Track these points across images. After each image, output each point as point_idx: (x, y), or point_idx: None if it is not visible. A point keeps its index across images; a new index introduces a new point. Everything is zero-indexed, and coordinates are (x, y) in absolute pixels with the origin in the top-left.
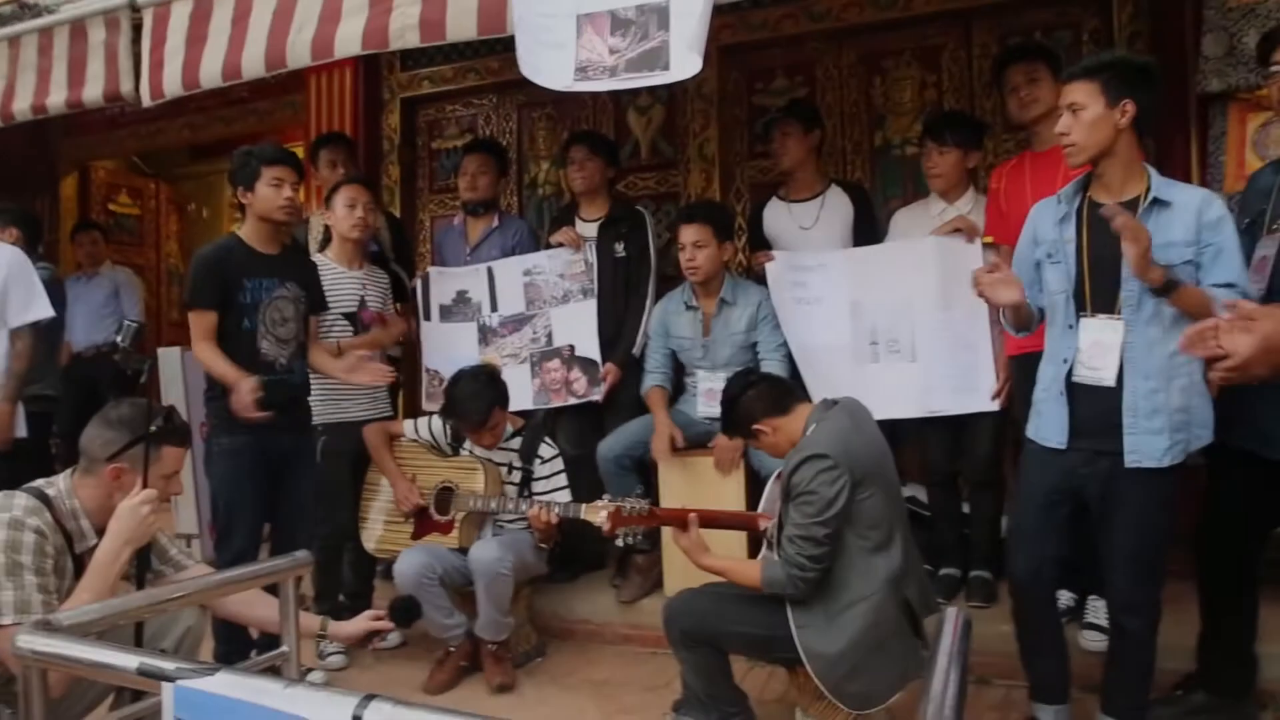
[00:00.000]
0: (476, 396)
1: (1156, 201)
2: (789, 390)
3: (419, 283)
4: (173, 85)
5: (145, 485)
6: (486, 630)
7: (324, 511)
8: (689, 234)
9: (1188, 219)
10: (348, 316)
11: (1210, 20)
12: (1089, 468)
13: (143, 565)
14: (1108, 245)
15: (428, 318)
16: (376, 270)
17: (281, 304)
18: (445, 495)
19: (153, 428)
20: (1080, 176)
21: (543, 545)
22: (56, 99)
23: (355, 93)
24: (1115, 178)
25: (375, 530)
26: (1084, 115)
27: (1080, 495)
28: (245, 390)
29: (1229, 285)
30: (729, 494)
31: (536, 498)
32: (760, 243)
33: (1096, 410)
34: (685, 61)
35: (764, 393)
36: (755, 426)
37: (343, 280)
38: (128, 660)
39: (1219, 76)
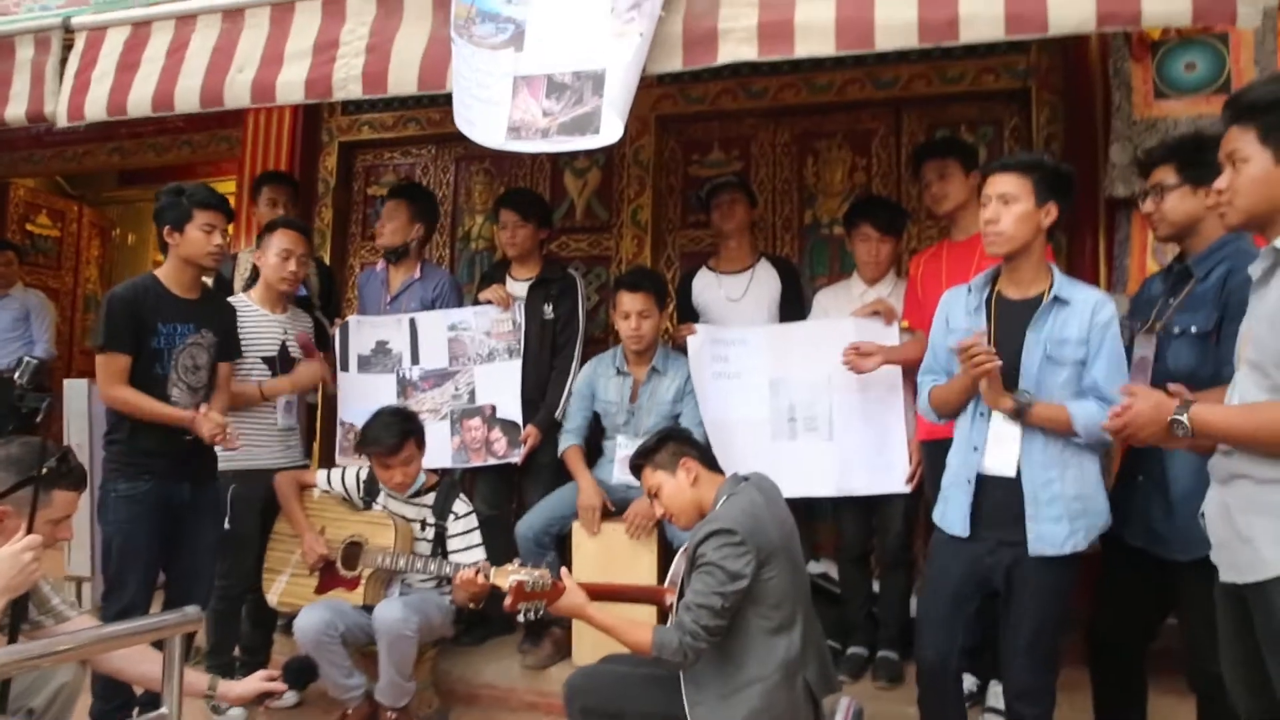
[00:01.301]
0: (390, 426)
1: (1057, 299)
2: (711, 460)
3: (337, 332)
4: (96, 109)
5: (30, 530)
6: (386, 695)
7: (228, 561)
8: (634, 303)
9: (1083, 318)
10: (268, 360)
11: (1117, 129)
12: (994, 556)
13: (18, 616)
14: (1014, 336)
15: (345, 368)
16: (300, 314)
17: (195, 351)
18: (353, 550)
19: (44, 469)
20: (990, 269)
21: (472, 606)
22: None
23: (294, 132)
24: (1026, 274)
25: (279, 583)
26: (1015, 208)
27: (988, 583)
28: (208, 428)
29: (1096, 384)
30: (642, 566)
31: (451, 556)
32: (688, 312)
33: (1000, 500)
34: (611, 126)
35: (696, 443)
36: (685, 460)
37: (265, 323)
38: None
39: (1124, 183)
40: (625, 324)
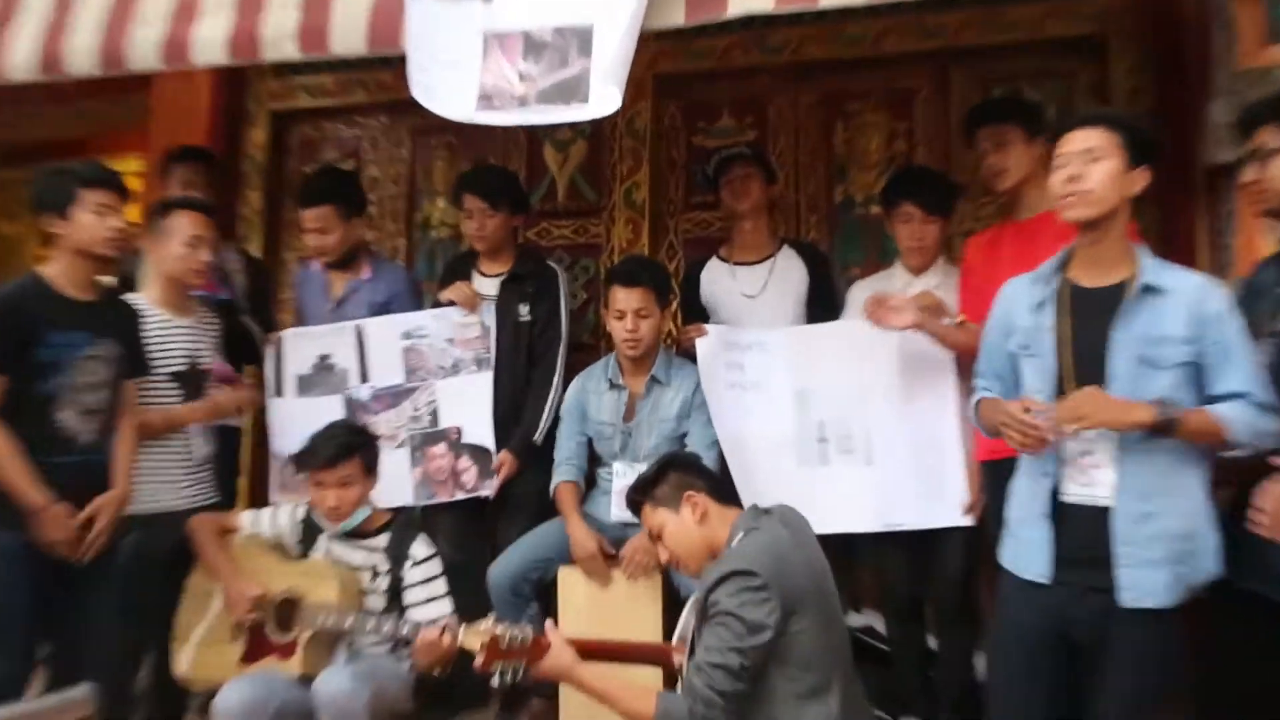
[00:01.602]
0: (333, 438)
1: (1148, 289)
2: (728, 488)
3: (269, 354)
4: None
5: None
6: None
7: (125, 628)
8: (630, 299)
9: (1186, 310)
10: (177, 376)
11: (1218, 83)
12: (1080, 606)
13: None
14: (1094, 334)
15: (279, 393)
16: (208, 316)
17: (93, 365)
18: (288, 608)
19: None
20: (1059, 254)
21: (436, 673)
22: None
23: (213, 99)
24: (1107, 254)
25: (189, 652)
26: (1104, 164)
27: (1070, 638)
28: (55, 527)
29: (1239, 395)
30: (644, 620)
31: (409, 611)
32: (695, 311)
33: (1085, 537)
34: (603, 96)
35: (705, 471)
36: (690, 494)
37: (169, 331)
38: None
39: (1227, 147)
40: (619, 325)
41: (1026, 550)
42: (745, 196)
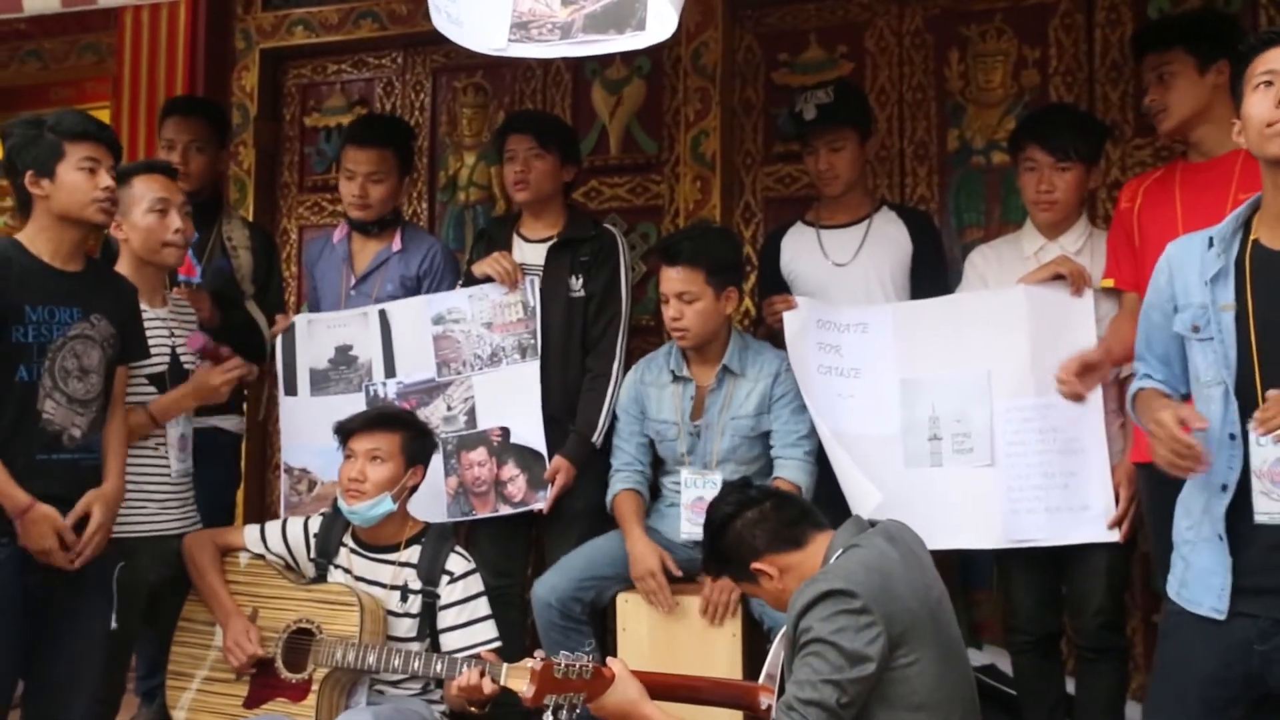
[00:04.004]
0: (381, 410)
1: None
2: (804, 513)
3: (279, 344)
4: None
5: None
6: None
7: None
8: (672, 281)
9: None
10: (154, 379)
11: None
12: (1269, 644)
13: None
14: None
15: (292, 390)
16: (181, 304)
17: (81, 347)
18: (300, 642)
19: None
20: (1243, 206)
21: (473, 710)
22: None
23: (191, 37)
24: None
25: (188, 693)
26: None
27: (1259, 683)
28: (41, 532)
29: None
30: (719, 654)
31: (443, 636)
32: (774, 285)
33: (1274, 559)
34: (660, 19)
35: (767, 515)
36: (755, 566)
37: (146, 324)
38: None
39: None
40: (666, 310)
41: (1197, 578)
42: (833, 179)
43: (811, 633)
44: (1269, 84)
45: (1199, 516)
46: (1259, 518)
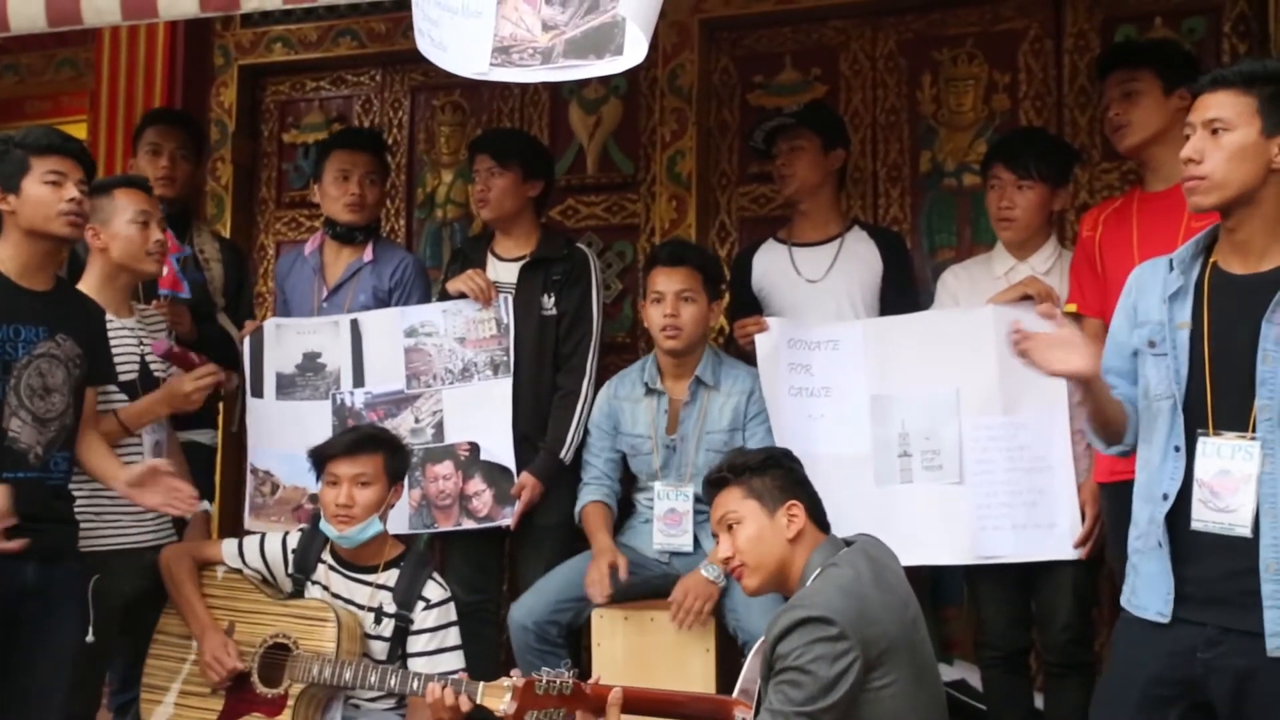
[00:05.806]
0: (356, 430)
1: None
2: (820, 510)
3: (247, 341)
4: None
5: None
6: None
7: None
8: (673, 280)
9: None
10: (126, 388)
11: None
12: (1212, 653)
13: None
14: (1239, 332)
15: (258, 393)
16: (152, 315)
17: (47, 366)
18: (276, 657)
19: None
20: (1202, 233)
21: None
22: None
23: (170, 54)
24: (1255, 237)
25: (163, 707)
26: (1228, 139)
27: (1200, 691)
28: None
29: None
30: (694, 668)
31: (411, 661)
32: (744, 301)
33: (1221, 569)
34: (635, 44)
35: (811, 487)
36: (792, 503)
37: (114, 334)
38: None
39: None
40: (656, 310)
41: (1145, 585)
42: (789, 176)
43: (787, 660)
44: (1204, 128)
45: (1145, 526)
46: (1195, 524)
